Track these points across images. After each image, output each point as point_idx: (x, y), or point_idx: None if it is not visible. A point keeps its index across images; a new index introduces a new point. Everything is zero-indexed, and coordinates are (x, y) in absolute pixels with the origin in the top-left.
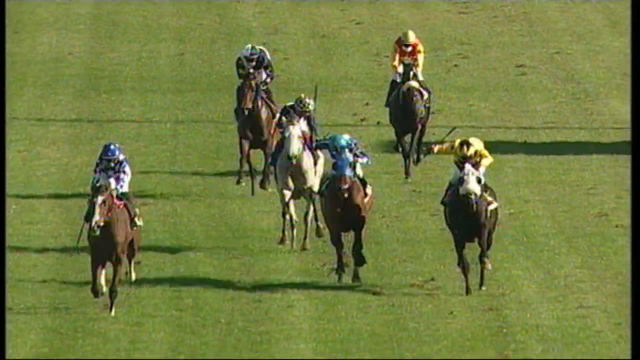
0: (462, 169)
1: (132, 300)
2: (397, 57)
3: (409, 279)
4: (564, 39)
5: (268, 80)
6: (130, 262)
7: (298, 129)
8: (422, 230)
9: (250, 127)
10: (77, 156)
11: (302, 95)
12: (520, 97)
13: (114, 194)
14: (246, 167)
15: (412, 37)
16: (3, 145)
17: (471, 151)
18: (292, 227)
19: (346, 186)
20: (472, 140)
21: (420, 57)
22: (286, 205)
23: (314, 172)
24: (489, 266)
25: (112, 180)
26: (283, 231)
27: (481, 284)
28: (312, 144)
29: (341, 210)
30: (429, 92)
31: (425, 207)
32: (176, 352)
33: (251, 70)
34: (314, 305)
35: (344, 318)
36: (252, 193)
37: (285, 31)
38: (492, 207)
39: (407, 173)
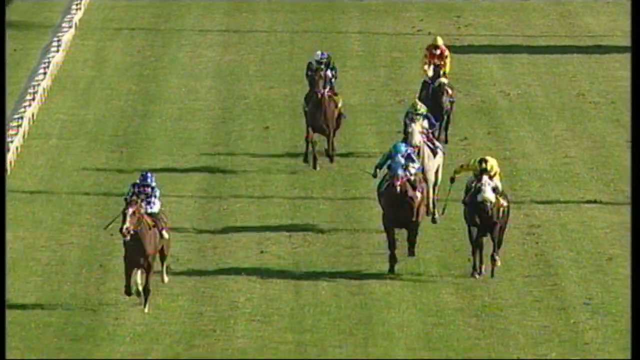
0: (480, 179)
1: (257, 180)
2: (427, 61)
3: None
4: None
5: (333, 80)
6: (162, 266)
7: (419, 125)
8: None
9: (316, 114)
10: (226, 55)
11: (416, 101)
12: (525, 15)
13: (143, 210)
14: (310, 148)
15: (440, 42)
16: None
17: (488, 166)
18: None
19: (399, 182)
20: (488, 158)
21: (447, 61)
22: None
23: (433, 163)
24: (498, 263)
25: (143, 204)
26: None
27: (480, 272)
28: (432, 141)
29: (392, 205)
30: (452, 89)
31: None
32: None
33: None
34: None
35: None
36: (305, 160)
37: None
38: (505, 204)
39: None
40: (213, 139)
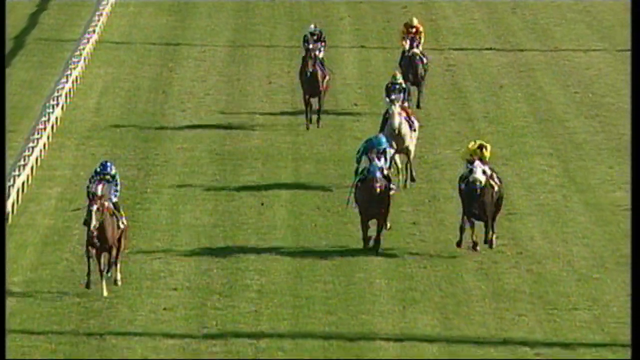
0: (472, 163)
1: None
2: (404, 36)
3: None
4: None
5: (322, 50)
6: (116, 264)
7: (398, 107)
8: None
9: (310, 84)
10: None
11: (395, 72)
12: None
13: (106, 202)
14: (308, 109)
15: (415, 22)
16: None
17: (486, 154)
18: (398, 172)
19: (377, 184)
20: (487, 146)
21: (422, 35)
22: (392, 158)
23: (411, 136)
24: (494, 244)
25: (103, 189)
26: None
27: (489, 243)
28: (409, 116)
29: (370, 201)
30: (427, 58)
31: None
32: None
33: (311, 45)
34: None
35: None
36: (307, 128)
37: None
38: (496, 189)
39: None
40: (237, 6)
